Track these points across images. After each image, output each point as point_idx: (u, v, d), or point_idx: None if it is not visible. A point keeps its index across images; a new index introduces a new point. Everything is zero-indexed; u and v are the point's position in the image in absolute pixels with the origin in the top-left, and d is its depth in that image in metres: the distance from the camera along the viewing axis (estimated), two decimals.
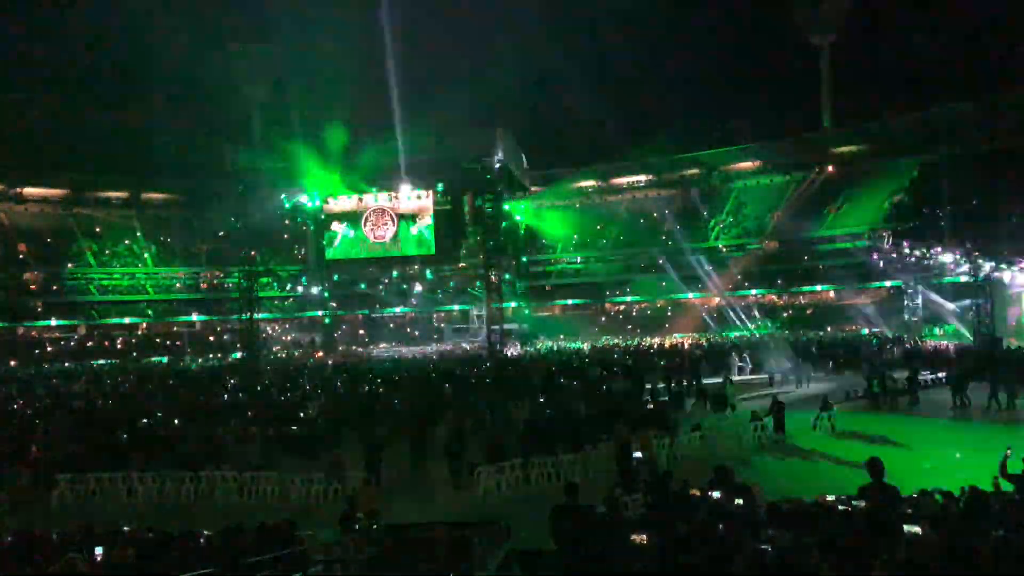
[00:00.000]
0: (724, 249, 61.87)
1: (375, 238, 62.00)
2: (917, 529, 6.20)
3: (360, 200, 62.01)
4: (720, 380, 26.87)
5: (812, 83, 68.36)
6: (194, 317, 65.47)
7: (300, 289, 67.13)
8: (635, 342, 50.90)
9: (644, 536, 5.84)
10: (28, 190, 62.99)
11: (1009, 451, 9.41)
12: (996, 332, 35.55)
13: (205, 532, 10.05)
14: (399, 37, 53.11)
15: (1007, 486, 8.98)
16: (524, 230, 68.75)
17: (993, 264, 35.86)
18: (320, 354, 57.05)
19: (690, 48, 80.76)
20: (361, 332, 68.21)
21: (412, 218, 61.48)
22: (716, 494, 7.99)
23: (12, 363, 51.94)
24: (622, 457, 15.06)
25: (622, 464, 14.96)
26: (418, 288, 65.04)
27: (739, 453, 17.46)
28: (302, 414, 23.17)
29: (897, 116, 55.19)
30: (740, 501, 8.23)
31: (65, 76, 67.69)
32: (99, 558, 7.97)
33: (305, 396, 27.59)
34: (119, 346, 61.03)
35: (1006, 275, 37.27)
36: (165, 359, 57.77)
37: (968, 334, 39.46)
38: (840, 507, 7.58)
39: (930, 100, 53.88)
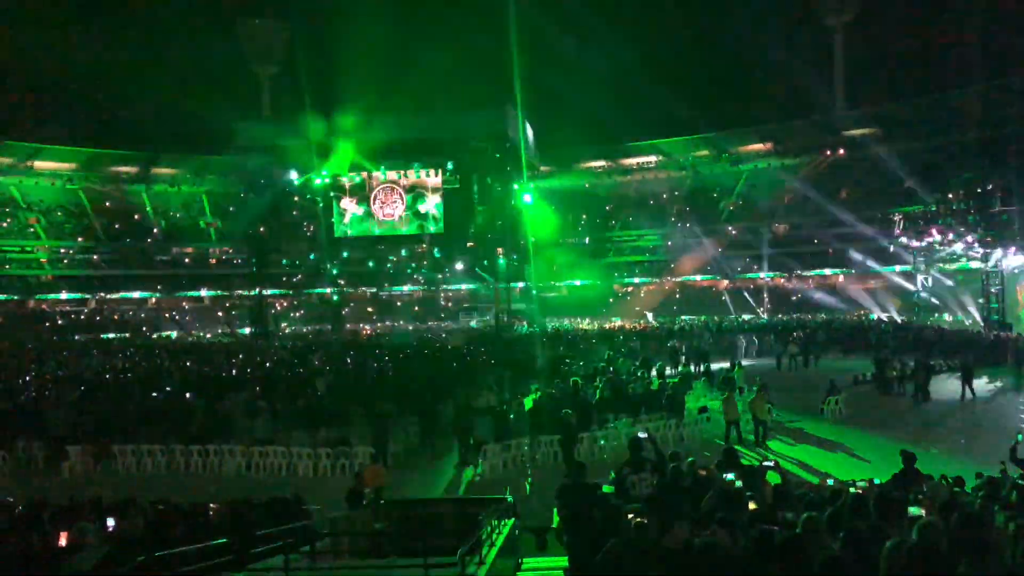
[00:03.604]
0: (734, 232, 61.50)
1: (384, 216, 61.69)
2: (923, 512, 6.19)
3: (369, 177, 61.64)
4: (728, 363, 26.84)
5: (825, 65, 67.45)
6: (203, 292, 65.64)
7: (308, 266, 67.07)
8: (640, 322, 50.85)
9: (642, 518, 5.83)
10: (38, 163, 63.01)
11: (1021, 436, 9.37)
12: (1006, 318, 35.32)
13: (213, 505, 10.14)
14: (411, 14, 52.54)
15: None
16: (532, 210, 68.37)
17: (1004, 250, 35.45)
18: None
19: (701, 29, 79.86)
20: (369, 310, 68.31)
21: (421, 196, 61.18)
22: (730, 475, 7.97)
23: (23, 336, 52.20)
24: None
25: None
26: (426, 267, 64.96)
27: (745, 436, 17.45)
28: (310, 389, 23.25)
29: (910, 99, 54.46)
30: (748, 483, 8.22)
31: (74, 56, 67.11)
32: (110, 528, 8.03)
33: (314, 372, 27.70)
34: (128, 320, 61.32)
35: (1016, 261, 36.83)
36: (174, 334, 58.04)
37: (976, 320, 39.25)
38: (851, 490, 7.59)
39: (943, 83, 53.20)
